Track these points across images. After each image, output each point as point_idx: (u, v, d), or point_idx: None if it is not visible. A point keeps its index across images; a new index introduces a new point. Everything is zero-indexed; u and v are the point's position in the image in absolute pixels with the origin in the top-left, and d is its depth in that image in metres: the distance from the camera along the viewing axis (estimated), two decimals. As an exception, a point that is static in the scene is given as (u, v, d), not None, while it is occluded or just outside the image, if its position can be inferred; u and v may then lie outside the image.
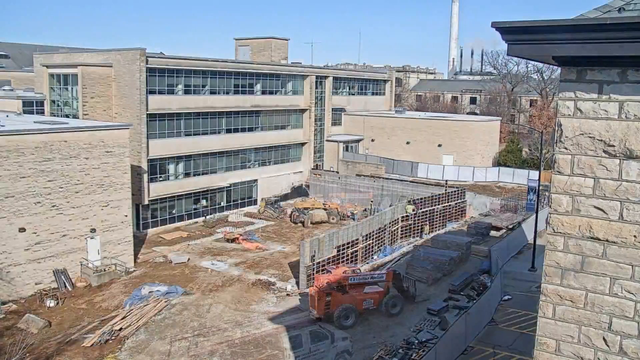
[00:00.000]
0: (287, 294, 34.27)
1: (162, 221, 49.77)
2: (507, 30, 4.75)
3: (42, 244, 34.41)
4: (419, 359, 23.82)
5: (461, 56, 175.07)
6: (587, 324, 4.99)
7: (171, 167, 51.22)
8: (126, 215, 39.06)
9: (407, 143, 68.04)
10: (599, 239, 4.84)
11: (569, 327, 5.09)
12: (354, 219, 50.29)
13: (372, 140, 69.59)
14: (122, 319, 30.11)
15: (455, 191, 51.45)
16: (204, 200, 54.06)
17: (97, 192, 37.06)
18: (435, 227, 47.81)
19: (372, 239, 40.91)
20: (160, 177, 49.93)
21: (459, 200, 51.01)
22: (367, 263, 39.91)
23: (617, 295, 4.83)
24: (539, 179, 39.14)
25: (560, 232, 5.01)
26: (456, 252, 39.00)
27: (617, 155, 4.68)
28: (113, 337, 28.44)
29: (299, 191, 64.01)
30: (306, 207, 52.95)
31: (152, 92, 47.94)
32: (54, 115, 48.36)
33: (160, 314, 31.10)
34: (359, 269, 34.20)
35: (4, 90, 55.33)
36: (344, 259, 37.69)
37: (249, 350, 27.08)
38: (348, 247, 38.17)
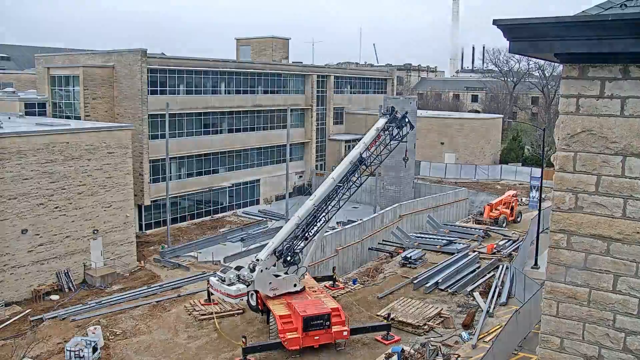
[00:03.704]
0: None
1: (164, 222, 49.77)
2: (509, 28, 4.74)
3: (45, 245, 34.47)
4: None
5: (462, 54, 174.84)
6: (590, 321, 4.98)
7: (173, 168, 51.22)
8: (128, 216, 39.12)
9: (409, 141, 67.92)
10: (603, 236, 4.83)
11: (572, 324, 5.08)
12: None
13: (374, 139, 69.42)
14: None
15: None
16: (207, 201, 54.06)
17: (100, 194, 37.10)
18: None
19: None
20: (162, 177, 49.93)
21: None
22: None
23: (621, 292, 4.82)
24: (541, 177, 39.07)
25: (564, 230, 5.00)
26: None
27: (620, 152, 4.67)
28: None
29: (301, 191, 64.00)
30: None
31: (153, 92, 47.96)
32: (56, 117, 48.42)
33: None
34: None
35: (6, 92, 55.36)
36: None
37: None
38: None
